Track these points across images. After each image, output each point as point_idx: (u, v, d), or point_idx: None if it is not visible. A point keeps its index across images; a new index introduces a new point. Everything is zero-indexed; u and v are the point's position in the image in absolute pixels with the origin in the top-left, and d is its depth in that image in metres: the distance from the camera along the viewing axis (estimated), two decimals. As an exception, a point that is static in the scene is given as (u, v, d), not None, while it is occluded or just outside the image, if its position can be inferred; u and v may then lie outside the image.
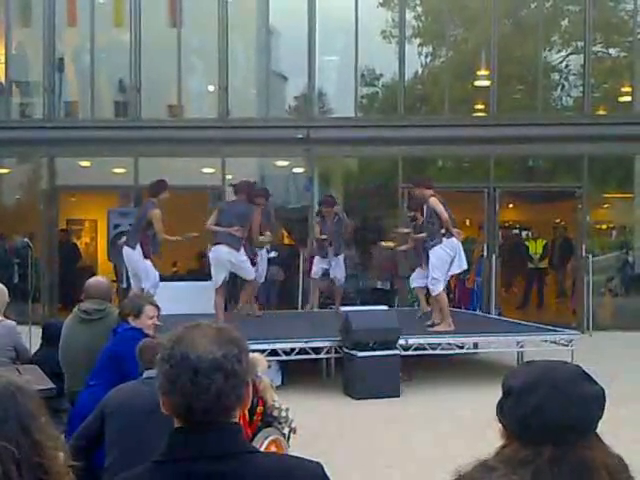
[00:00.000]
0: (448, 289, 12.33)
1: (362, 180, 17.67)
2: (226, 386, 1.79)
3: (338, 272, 12.81)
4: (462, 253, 10.93)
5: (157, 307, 5.57)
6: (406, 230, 12.73)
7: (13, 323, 6.90)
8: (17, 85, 17.57)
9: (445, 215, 10.51)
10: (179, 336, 1.86)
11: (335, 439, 7.79)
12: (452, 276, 12.00)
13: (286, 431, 5.63)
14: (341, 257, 12.87)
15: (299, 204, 16.96)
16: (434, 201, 10.63)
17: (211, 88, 16.92)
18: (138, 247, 10.52)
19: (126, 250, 10.63)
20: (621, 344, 13.45)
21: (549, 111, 16.79)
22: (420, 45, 17.08)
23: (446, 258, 10.69)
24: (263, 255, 12.44)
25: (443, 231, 10.58)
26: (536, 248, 17.65)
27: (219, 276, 10.80)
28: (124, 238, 10.88)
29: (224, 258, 10.73)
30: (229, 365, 1.81)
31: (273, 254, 13.60)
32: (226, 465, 1.79)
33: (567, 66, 16.98)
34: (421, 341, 10.41)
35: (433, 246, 10.71)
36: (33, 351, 7.20)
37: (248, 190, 11.36)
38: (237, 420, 1.88)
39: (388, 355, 9.69)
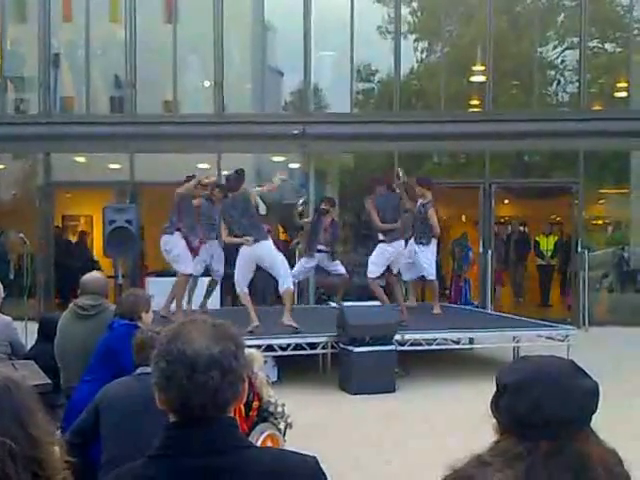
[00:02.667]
0: (444, 285, 12.46)
1: (358, 176, 17.66)
2: (223, 382, 1.79)
3: (217, 265, 11.74)
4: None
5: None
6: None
7: (9, 319, 6.90)
8: (12, 81, 17.51)
9: (438, 229, 11.72)
10: (175, 332, 1.86)
11: (331, 434, 7.80)
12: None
13: (282, 426, 5.63)
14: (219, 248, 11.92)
15: (295, 200, 16.93)
16: (433, 212, 11.58)
17: (207, 84, 16.90)
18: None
19: (262, 245, 9.94)
20: (617, 339, 13.46)
21: (545, 107, 16.80)
22: (416, 41, 17.09)
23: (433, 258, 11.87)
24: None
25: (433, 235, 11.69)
26: (547, 244, 17.52)
27: (382, 268, 11.00)
28: (249, 238, 9.82)
29: (402, 252, 11.07)
30: (226, 361, 1.81)
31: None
32: (223, 459, 1.79)
33: (563, 61, 16.99)
34: (417, 336, 10.42)
35: (422, 244, 11.66)
36: (29, 346, 7.19)
37: (389, 180, 11.31)
38: (232, 414, 1.88)
39: (384, 350, 9.70)
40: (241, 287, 10.21)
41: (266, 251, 9.95)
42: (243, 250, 9.97)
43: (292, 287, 10.41)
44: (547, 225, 17.97)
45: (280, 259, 10.10)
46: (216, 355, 1.80)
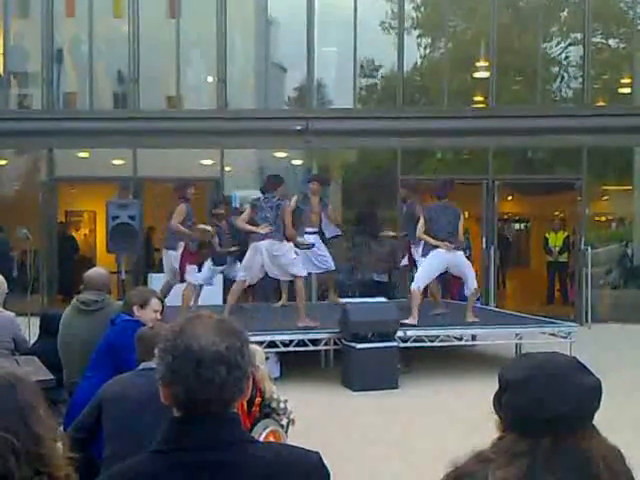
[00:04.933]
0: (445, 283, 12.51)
1: (361, 171, 17.65)
2: (228, 378, 1.80)
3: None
4: None
5: (162, 302, 5.53)
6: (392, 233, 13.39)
7: (12, 314, 6.92)
8: (15, 76, 17.52)
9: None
10: (182, 327, 1.86)
11: (333, 430, 7.80)
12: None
13: (284, 422, 5.63)
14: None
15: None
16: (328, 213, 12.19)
17: (210, 79, 16.89)
18: None
19: (457, 254, 10.82)
20: (620, 336, 13.47)
21: (548, 102, 16.76)
22: (419, 36, 17.05)
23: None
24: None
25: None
26: (556, 241, 17.41)
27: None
28: (449, 245, 10.70)
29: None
30: (232, 357, 1.81)
31: None
32: (225, 454, 1.79)
33: (567, 57, 16.95)
34: (419, 333, 10.42)
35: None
36: (31, 342, 7.20)
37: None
38: (236, 410, 1.88)
39: (386, 347, 9.70)
40: (419, 285, 10.83)
41: (460, 260, 10.88)
42: (439, 252, 10.70)
43: (477, 288, 11.33)
44: (557, 221, 17.85)
45: (470, 267, 11.09)
46: (222, 351, 1.80)
